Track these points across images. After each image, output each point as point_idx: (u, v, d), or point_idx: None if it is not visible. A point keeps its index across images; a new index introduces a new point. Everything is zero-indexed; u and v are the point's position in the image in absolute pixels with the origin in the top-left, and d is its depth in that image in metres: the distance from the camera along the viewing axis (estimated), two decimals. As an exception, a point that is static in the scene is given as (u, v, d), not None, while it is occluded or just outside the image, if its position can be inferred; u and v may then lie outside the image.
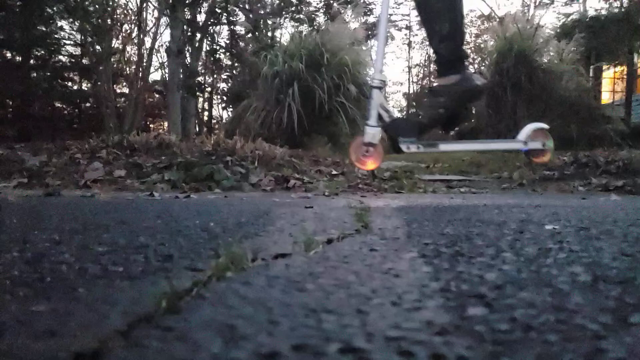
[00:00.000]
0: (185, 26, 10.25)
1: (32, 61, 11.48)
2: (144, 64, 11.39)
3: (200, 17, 11.59)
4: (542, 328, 0.42)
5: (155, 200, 2.36)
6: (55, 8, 9.49)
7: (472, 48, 26.89)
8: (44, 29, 10.61)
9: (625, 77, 12.78)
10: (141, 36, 11.68)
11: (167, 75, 11.64)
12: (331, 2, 12.78)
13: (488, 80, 2.19)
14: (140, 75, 11.08)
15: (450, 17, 1.87)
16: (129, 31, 12.62)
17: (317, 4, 13.16)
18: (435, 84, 1.98)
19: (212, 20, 11.73)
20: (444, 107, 1.90)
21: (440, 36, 1.92)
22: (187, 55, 11.58)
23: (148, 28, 12.10)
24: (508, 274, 0.63)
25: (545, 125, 2.14)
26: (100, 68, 10.54)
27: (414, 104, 29.70)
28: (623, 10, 11.17)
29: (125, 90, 13.06)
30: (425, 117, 1.99)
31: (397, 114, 2.00)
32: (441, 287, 0.56)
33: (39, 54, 11.53)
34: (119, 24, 11.77)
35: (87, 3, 9.26)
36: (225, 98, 16.76)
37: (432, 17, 1.94)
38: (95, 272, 0.64)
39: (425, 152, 1.99)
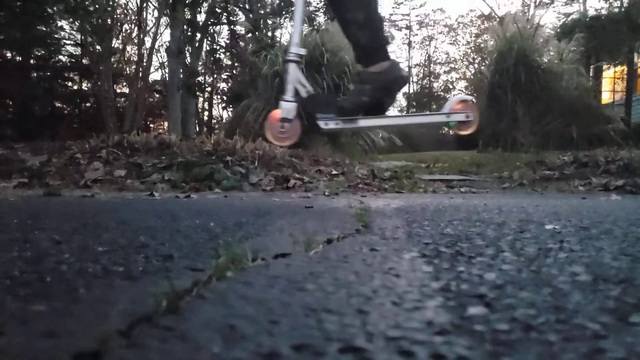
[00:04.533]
0: (185, 26, 10.26)
1: (32, 61, 11.48)
2: (144, 63, 11.38)
3: (200, 17, 11.59)
4: (542, 328, 0.42)
5: (156, 200, 2.36)
6: (55, 8, 9.49)
7: (472, 48, 26.95)
8: (44, 29, 10.61)
9: (625, 76, 12.77)
10: (141, 36, 11.67)
11: (167, 75, 11.65)
12: (331, 1, 12.75)
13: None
14: (140, 75, 11.08)
15: (364, 5, 1.86)
16: (129, 31, 12.62)
17: (317, 3, 13.15)
18: (362, 71, 1.95)
19: (212, 20, 11.73)
20: (369, 95, 1.88)
21: (357, 25, 1.91)
22: (187, 55, 11.58)
23: (148, 28, 12.09)
24: (508, 274, 0.63)
25: (469, 97, 2.14)
26: (101, 68, 10.53)
27: (414, 104, 29.70)
28: (623, 10, 11.16)
29: (126, 90, 13.06)
30: (348, 102, 1.97)
31: (314, 89, 1.97)
32: (441, 287, 0.56)
33: (39, 54, 11.54)
34: (119, 24, 11.77)
35: (87, 3, 9.26)
36: (225, 98, 16.76)
37: (346, 6, 1.94)
38: (95, 272, 0.64)
39: (343, 128, 1.95)
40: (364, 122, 1.94)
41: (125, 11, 12.24)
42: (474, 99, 2.21)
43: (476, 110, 2.11)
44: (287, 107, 1.91)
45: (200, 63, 13.94)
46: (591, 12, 12.70)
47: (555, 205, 2.00)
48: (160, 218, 1.31)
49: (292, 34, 2.01)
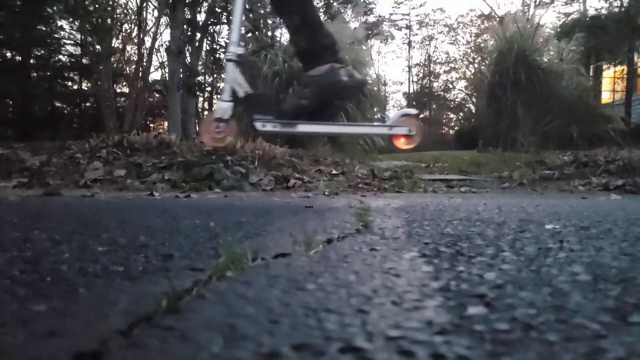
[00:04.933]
0: (185, 26, 10.25)
1: (32, 61, 11.48)
2: (144, 63, 11.38)
3: (200, 17, 11.58)
4: (542, 327, 0.42)
5: (156, 200, 2.36)
6: (55, 8, 9.49)
7: (472, 48, 26.95)
8: (44, 28, 10.61)
9: (625, 76, 12.77)
10: (141, 36, 11.67)
11: (167, 74, 11.63)
12: (331, 1, 12.78)
13: (361, 79, 2.06)
14: (140, 74, 11.08)
15: (300, 9, 1.84)
16: (129, 31, 12.61)
17: (317, 3, 13.16)
18: (303, 74, 1.93)
19: (212, 20, 11.72)
20: (308, 98, 1.86)
21: (293, 28, 1.91)
22: (187, 54, 11.57)
23: (148, 28, 12.09)
24: (508, 274, 0.63)
25: (414, 111, 2.09)
26: (101, 68, 10.53)
27: (414, 103, 29.69)
28: (623, 9, 11.16)
29: (125, 89, 13.05)
30: (287, 105, 1.95)
31: (253, 89, 1.94)
32: (441, 287, 0.56)
33: (39, 54, 11.53)
34: (118, 23, 11.76)
35: (87, 3, 9.25)
36: (225, 98, 16.72)
37: (281, 9, 1.93)
38: (95, 272, 0.64)
39: (280, 131, 1.91)
40: (303, 127, 1.89)
41: (125, 11, 12.24)
42: (419, 113, 2.13)
43: (420, 124, 2.07)
44: (222, 107, 1.88)
45: (200, 63, 13.94)
46: (591, 12, 12.72)
47: (555, 205, 2.00)
48: (160, 218, 1.31)
49: (231, 32, 1.95)
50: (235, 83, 1.88)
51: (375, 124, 2.10)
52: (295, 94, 1.95)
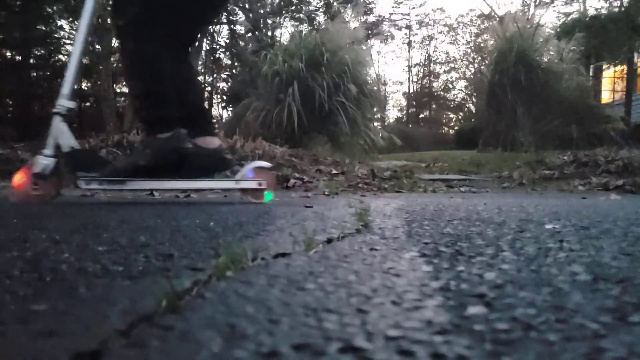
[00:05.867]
0: (185, 25, 10.20)
1: (32, 60, 11.48)
2: (144, 63, 11.37)
3: (200, 17, 11.57)
4: (542, 327, 0.42)
5: (155, 200, 2.36)
6: (55, 8, 9.48)
7: (472, 47, 26.95)
8: (43, 28, 10.61)
9: (625, 76, 12.77)
10: (141, 36, 11.65)
11: (167, 74, 11.60)
12: (331, 1, 12.78)
13: (214, 149, 1.99)
14: (140, 74, 11.07)
15: (144, 79, 1.82)
16: (129, 31, 12.59)
17: (317, 3, 13.16)
18: (148, 136, 1.89)
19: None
20: (147, 160, 1.82)
21: (133, 94, 1.89)
22: (187, 54, 11.57)
23: (148, 27, 12.07)
24: (508, 274, 0.63)
25: (266, 164, 2.07)
26: (100, 67, 10.53)
27: (414, 103, 29.66)
28: (623, 9, 11.17)
29: (125, 89, 13.04)
30: (122, 162, 1.91)
31: (79, 145, 1.86)
32: (441, 287, 0.56)
33: (38, 54, 11.53)
34: (118, 23, 11.74)
35: (87, 2, 9.24)
36: (225, 97, 16.77)
37: (127, 74, 1.92)
38: (95, 272, 0.64)
39: (108, 189, 1.84)
40: (133, 185, 1.83)
41: (125, 11, 12.22)
42: (271, 167, 2.09)
43: (273, 177, 2.05)
44: (43, 162, 1.77)
45: (200, 62, 13.94)
46: (591, 12, 12.72)
47: (555, 205, 2.00)
48: (160, 217, 1.31)
49: (64, 83, 1.86)
50: (61, 137, 1.80)
51: (221, 178, 1.94)
52: (136, 154, 1.91)
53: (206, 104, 18.23)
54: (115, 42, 11.87)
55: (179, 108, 1.88)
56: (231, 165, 2.06)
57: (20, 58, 11.11)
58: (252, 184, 1.98)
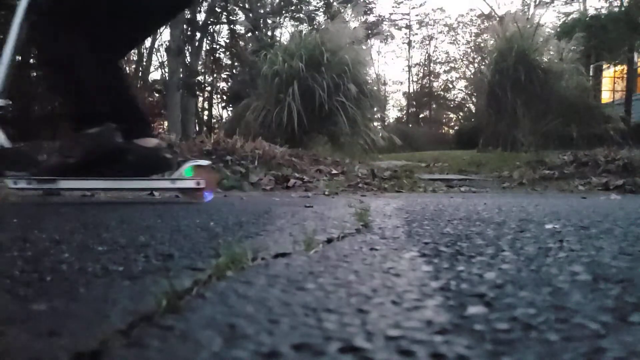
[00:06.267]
0: (185, 25, 10.25)
1: (32, 61, 11.47)
2: (144, 63, 11.38)
3: (200, 16, 11.59)
4: (542, 327, 0.42)
5: (155, 200, 2.36)
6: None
7: (472, 47, 26.96)
8: (43, 28, 10.59)
9: (625, 76, 12.77)
10: (141, 35, 11.65)
11: (167, 74, 11.65)
12: (331, 1, 12.78)
13: (153, 147, 1.94)
14: (140, 74, 11.07)
15: (66, 72, 1.78)
16: (128, 30, 12.59)
17: (317, 3, 13.16)
18: (76, 133, 1.84)
19: (212, 20, 11.72)
20: (75, 157, 1.78)
21: (58, 90, 1.86)
22: (187, 54, 11.57)
23: (148, 27, 12.07)
24: (508, 273, 0.63)
25: (205, 162, 2.00)
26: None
27: (414, 103, 29.65)
28: (623, 9, 11.16)
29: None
30: (51, 160, 1.86)
31: (8, 143, 1.79)
32: (441, 286, 0.56)
33: (39, 54, 11.51)
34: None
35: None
36: (225, 97, 16.77)
37: (48, 69, 1.87)
38: (95, 272, 0.64)
39: (37, 188, 1.78)
40: (65, 184, 1.78)
41: (125, 10, 12.23)
42: (212, 165, 2.01)
43: (213, 175, 1.97)
44: None
45: (200, 62, 13.95)
46: (591, 12, 12.73)
47: (555, 205, 2.00)
48: (160, 217, 1.31)
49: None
50: None
51: (157, 177, 1.87)
52: (64, 151, 1.85)
53: (206, 104, 18.22)
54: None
55: (107, 106, 1.82)
56: (173, 165, 1.99)
57: (20, 58, 11.11)
58: (190, 184, 1.91)
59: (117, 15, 1.82)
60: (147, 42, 12.35)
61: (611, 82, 14.47)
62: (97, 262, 0.70)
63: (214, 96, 18.15)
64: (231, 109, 14.12)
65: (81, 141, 1.79)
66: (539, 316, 0.45)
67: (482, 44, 22.71)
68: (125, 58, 12.92)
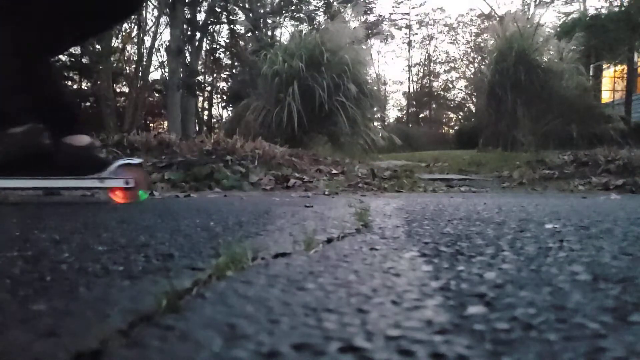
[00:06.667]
0: (185, 25, 10.25)
1: (32, 60, 11.46)
2: (144, 63, 11.39)
3: (200, 16, 11.58)
4: (542, 327, 0.42)
5: (155, 200, 2.36)
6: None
7: (472, 47, 26.95)
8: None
9: (625, 75, 12.77)
10: (141, 35, 11.67)
11: (167, 74, 11.64)
12: (331, 1, 12.78)
13: (84, 146, 1.84)
14: (140, 74, 11.08)
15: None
16: (128, 30, 12.61)
17: (317, 3, 13.15)
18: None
19: (212, 20, 11.72)
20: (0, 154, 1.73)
21: None
22: (187, 54, 11.57)
23: (148, 27, 12.09)
24: (508, 273, 0.63)
25: (136, 161, 1.97)
26: (100, 67, 10.53)
27: (414, 103, 29.63)
28: (623, 9, 11.16)
29: (125, 89, 13.07)
30: None
31: None
32: (441, 286, 0.56)
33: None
34: (118, 23, 11.75)
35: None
36: (225, 97, 16.77)
37: None
38: (95, 272, 0.64)
39: None
40: None
41: (125, 10, 12.21)
42: (142, 163, 1.97)
43: (143, 174, 1.93)
44: None
45: (200, 62, 13.94)
46: (591, 11, 12.73)
47: (555, 205, 2.00)
48: (160, 217, 1.31)
49: None
50: None
51: (82, 177, 1.82)
52: None
53: (206, 104, 18.23)
54: (114, 42, 11.89)
55: (27, 105, 1.79)
56: (106, 163, 1.95)
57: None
58: (119, 182, 1.87)
59: (55, 15, 1.79)
60: (147, 42, 12.34)
61: (611, 82, 14.47)
62: (97, 262, 0.70)
63: (214, 96, 18.16)
64: (231, 109, 14.12)
65: (3, 141, 1.76)
66: (539, 316, 0.45)
67: (482, 44, 22.73)
68: (125, 58, 12.93)
